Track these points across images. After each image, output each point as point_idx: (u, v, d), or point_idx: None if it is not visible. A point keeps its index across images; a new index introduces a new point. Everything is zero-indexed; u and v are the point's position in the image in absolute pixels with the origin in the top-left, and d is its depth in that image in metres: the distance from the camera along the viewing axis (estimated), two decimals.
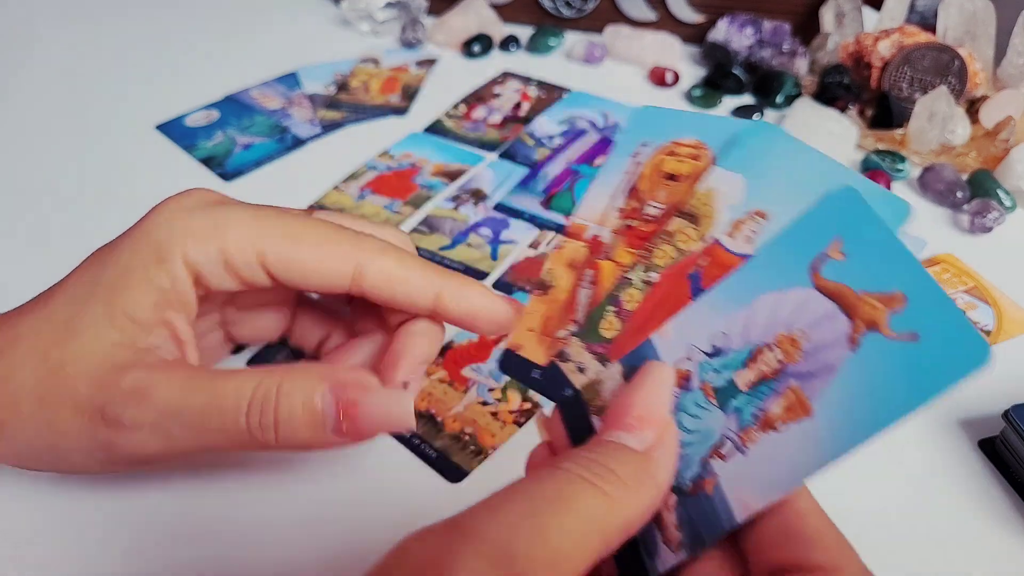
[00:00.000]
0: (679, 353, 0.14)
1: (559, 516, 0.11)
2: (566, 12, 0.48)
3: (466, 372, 0.26)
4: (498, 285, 0.30)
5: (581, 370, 0.16)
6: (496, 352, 0.27)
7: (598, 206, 0.17)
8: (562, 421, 0.16)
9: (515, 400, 0.25)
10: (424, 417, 0.25)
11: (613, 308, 0.16)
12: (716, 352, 0.13)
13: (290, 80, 0.44)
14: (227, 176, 0.36)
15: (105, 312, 0.18)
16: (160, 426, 0.17)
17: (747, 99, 0.43)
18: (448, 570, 0.11)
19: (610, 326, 0.16)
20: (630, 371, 0.15)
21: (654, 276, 0.16)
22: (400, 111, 0.41)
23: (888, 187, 0.35)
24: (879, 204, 0.11)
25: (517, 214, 0.34)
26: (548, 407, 0.17)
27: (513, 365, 0.17)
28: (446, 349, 0.27)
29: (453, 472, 0.23)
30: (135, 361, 0.17)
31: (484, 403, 0.25)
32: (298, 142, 0.39)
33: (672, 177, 0.17)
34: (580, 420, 0.15)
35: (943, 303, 0.10)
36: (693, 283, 0.15)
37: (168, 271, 0.18)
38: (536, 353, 0.17)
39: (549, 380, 0.16)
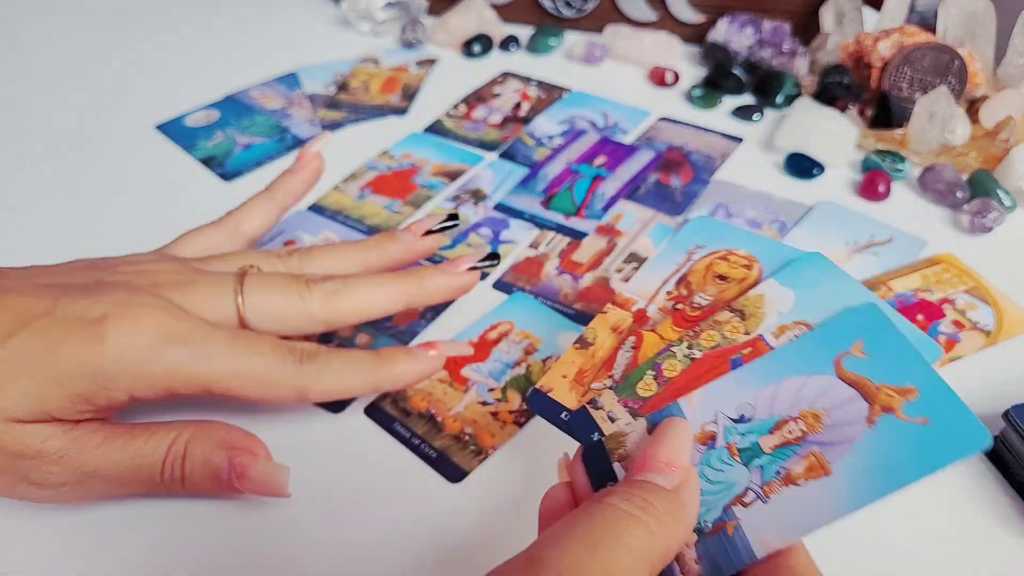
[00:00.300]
0: (706, 417, 0.16)
1: (615, 551, 0.14)
2: (566, 12, 0.48)
3: (466, 372, 0.26)
4: (498, 285, 0.30)
5: (611, 419, 0.18)
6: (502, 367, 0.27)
7: (649, 287, 0.20)
8: (584, 464, 0.17)
9: (515, 400, 0.25)
10: (424, 417, 0.25)
11: (652, 372, 0.18)
12: (741, 419, 0.15)
13: (290, 80, 0.44)
14: (227, 176, 0.36)
15: (35, 387, 0.18)
16: (80, 483, 0.19)
17: (747, 99, 0.43)
18: None
19: (647, 387, 0.18)
20: (653, 427, 0.17)
21: (697, 353, 0.18)
22: (400, 111, 0.41)
23: (888, 187, 0.35)
24: (915, 342, 0.13)
25: (517, 214, 0.34)
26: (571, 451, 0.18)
27: (542, 404, 0.19)
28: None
29: (453, 472, 0.23)
30: (57, 429, 0.19)
31: (484, 403, 0.25)
32: (298, 142, 0.39)
33: (723, 278, 0.20)
34: (602, 466, 0.17)
35: (951, 397, 0.13)
36: (734, 366, 0.17)
37: (108, 395, 0.19)
38: (566, 397, 0.19)
39: (578, 422, 0.18)
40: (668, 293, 0.20)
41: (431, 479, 0.23)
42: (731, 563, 0.14)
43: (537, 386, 0.19)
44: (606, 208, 0.34)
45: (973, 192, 0.35)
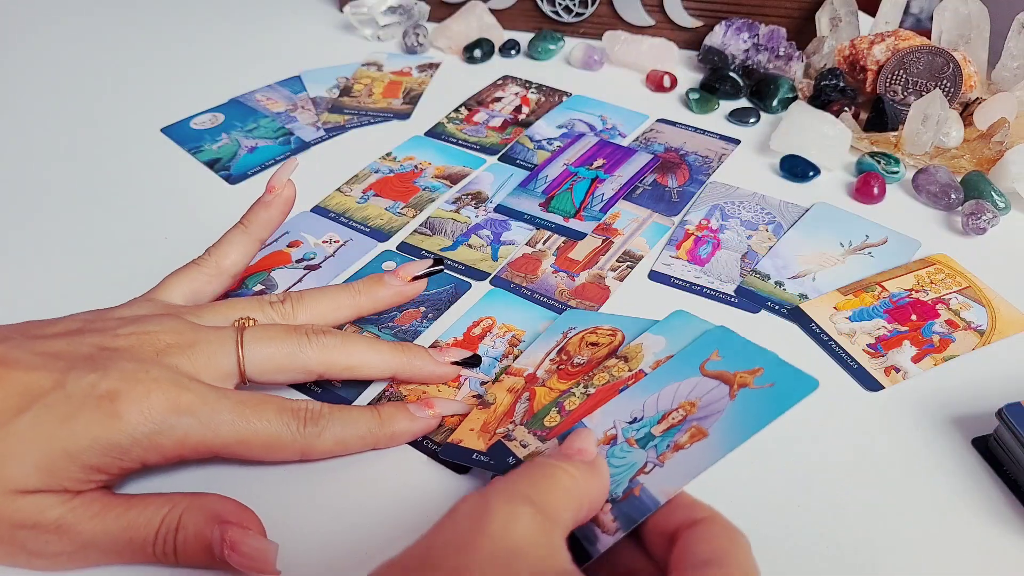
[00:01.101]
0: (606, 425, 0.20)
1: (553, 483, 0.18)
2: (565, 17, 0.48)
3: None
4: (495, 282, 0.31)
5: (523, 446, 0.22)
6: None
7: (535, 359, 0.26)
8: None
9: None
10: None
11: (556, 408, 0.24)
12: (634, 420, 0.19)
13: (294, 84, 0.44)
14: (232, 179, 0.37)
15: (47, 460, 0.19)
16: (77, 553, 0.19)
17: (743, 103, 0.43)
18: (489, 509, 0.16)
19: (552, 419, 0.23)
20: (563, 440, 0.21)
21: (592, 390, 0.23)
22: (402, 115, 0.42)
23: (883, 189, 0.36)
24: (790, 378, 0.17)
25: (517, 216, 0.34)
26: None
27: (454, 454, 0.23)
28: (432, 348, 0.27)
29: (459, 464, 0.24)
30: (56, 500, 0.19)
31: (478, 396, 0.26)
32: (302, 145, 0.39)
33: (594, 344, 0.26)
34: None
35: (786, 366, 0.17)
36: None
37: (121, 465, 0.20)
38: (475, 444, 0.23)
39: (494, 456, 0.22)
40: (552, 360, 0.26)
41: (438, 472, 0.23)
42: (640, 512, 0.18)
43: (449, 440, 0.23)
44: (605, 209, 0.35)
45: (967, 194, 0.35)
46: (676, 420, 0.18)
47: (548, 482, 0.17)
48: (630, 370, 0.24)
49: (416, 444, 0.24)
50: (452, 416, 0.24)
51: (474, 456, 0.23)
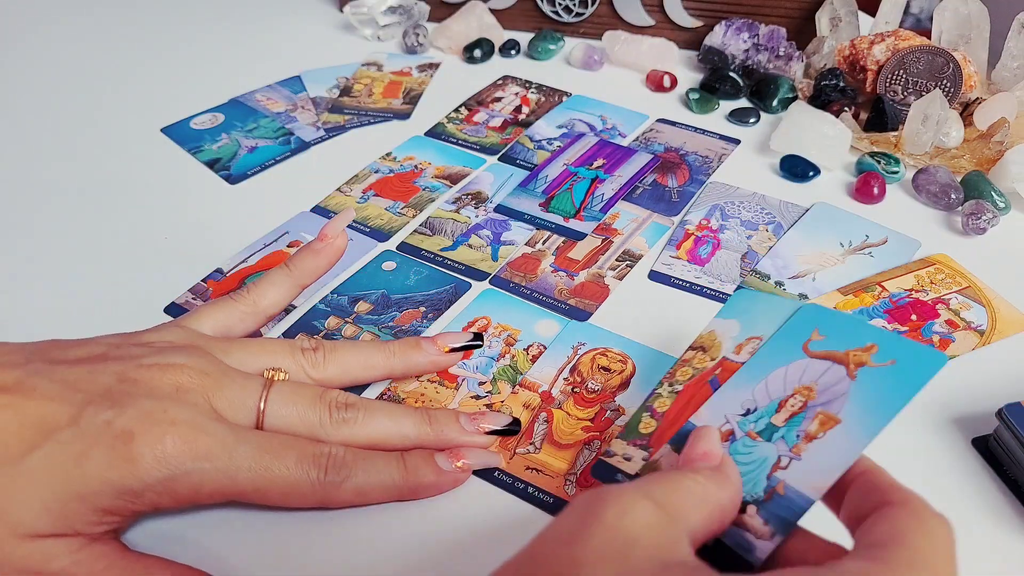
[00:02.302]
0: (718, 422, 0.18)
1: (677, 485, 0.17)
2: (565, 17, 0.48)
3: (454, 370, 0.27)
4: (495, 281, 0.31)
5: (627, 459, 0.22)
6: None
7: (548, 374, 0.26)
8: None
9: (506, 391, 0.26)
10: None
11: (647, 412, 0.23)
12: (748, 412, 0.18)
13: (294, 84, 0.44)
14: (232, 179, 0.37)
15: (58, 503, 0.18)
16: None
17: (743, 103, 0.43)
18: (603, 501, 0.16)
19: (647, 426, 0.22)
20: (679, 445, 0.19)
21: (679, 387, 0.22)
22: (402, 115, 0.42)
23: (883, 189, 0.36)
24: (915, 354, 0.16)
25: (517, 216, 0.34)
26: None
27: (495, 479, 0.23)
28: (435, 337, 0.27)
29: None
30: (63, 549, 0.19)
31: (477, 397, 0.26)
32: (302, 145, 0.39)
33: (606, 369, 0.26)
34: None
35: (903, 341, 0.16)
36: (713, 386, 0.21)
37: (133, 508, 0.19)
38: (499, 461, 0.24)
39: (600, 473, 0.22)
40: (565, 379, 0.26)
41: (501, 498, 0.23)
42: (794, 513, 0.17)
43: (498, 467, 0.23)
44: (605, 209, 0.35)
45: (967, 194, 0.35)
46: (796, 407, 0.17)
47: (672, 484, 0.17)
48: (712, 359, 0.23)
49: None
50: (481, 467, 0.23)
51: (495, 473, 0.23)
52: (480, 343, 0.26)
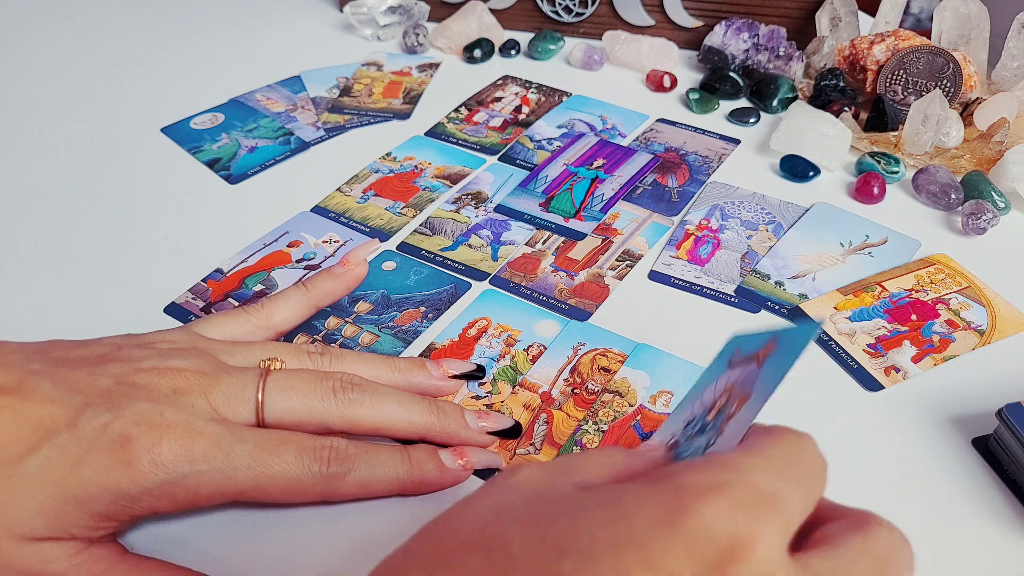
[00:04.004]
0: (666, 439, 0.20)
1: (580, 455, 0.17)
2: (565, 17, 0.48)
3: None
4: (494, 281, 0.31)
5: None
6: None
7: (548, 374, 0.27)
8: None
9: (506, 391, 0.26)
10: None
11: (576, 447, 0.25)
12: (687, 424, 0.20)
13: (294, 83, 0.44)
14: (232, 179, 0.37)
15: (55, 506, 0.18)
16: None
17: (743, 103, 0.43)
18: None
19: None
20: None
21: (604, 427, 0.25)
22: (402, 115, 0.42)
23: (883, 189, 0.36)
24: (797, 332, 0.18)
25: (517, 216, 0.34)
26: None
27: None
28: (428, 351, 0.28)
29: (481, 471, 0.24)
30: (61, 552, 0.18)
31: (477, 397, 0.26)
32: (302, 145, 0.39)
33: (606, 370, 0.27)
34: None
35: (791, 327, 0.19)
36: (637, 430, 0.25)
37: (131, 513, 0.19)
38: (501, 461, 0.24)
39: None
40: (565, 380, 0.26)
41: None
42: None
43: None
44: (605, 209, 0.35)
45: (967, 194, 0.35)
46: (721, 404, 0.19)
47: (574, 455, 0.17)
48: (630, 405, 0.25)
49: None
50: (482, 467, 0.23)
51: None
52: (482, 376, 0.26)
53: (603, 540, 0.13)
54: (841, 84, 0.41)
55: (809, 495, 0.15)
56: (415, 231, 0.34)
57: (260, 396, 0.21)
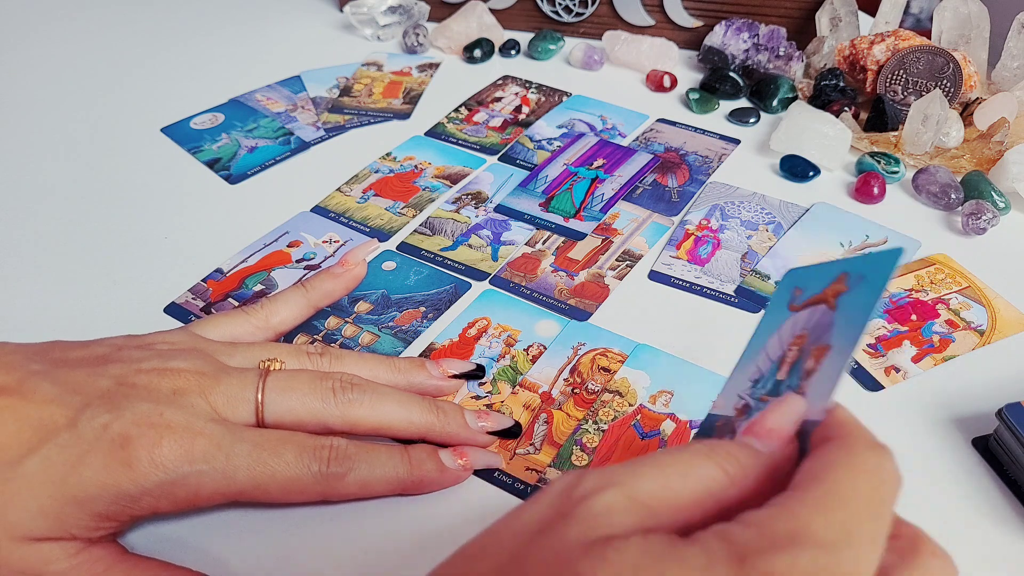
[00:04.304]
0: (733, 402, 0.18)
1: (684, 478, 0.15)
2: (565, 17, 0.48)
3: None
4: (494, 281, 0.31)
5: None
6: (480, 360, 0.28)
7: (548, 374, 0.27)
8: None
9: (506, 391, 0.26)
10: None
11: (576, 446, 0.24)
12: (755, 382, 0.18)
13: (294, 83, 0.44)
14: (232, 179, 0.37)
15: (55, 507, 0.18)
16: None
17: (743, 103, 0.43)
18: (588, 500, 0.14)
19: (578, 459, 0.24)
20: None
21: (604, 426, 0.25)
22: (402, 115, 0.42)
23: (883, 189, 0.36)
24: (876, 260, 0.16)
25: (517, 216, 0.34)
26: None
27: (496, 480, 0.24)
28: (428, 351, 0.28)
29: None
30: (61, 552, 0.18)
31: (477, 397, 0.26)
32: (302, 145, 0.39)
33: (606, 370, 0.27)
34: None
35: (866, 256, 0.16)
36: (637, 429, 0.25)
37: (131, 513, 0.19)
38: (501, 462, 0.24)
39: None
40: (565, 380, 0.26)
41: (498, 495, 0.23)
42: (805, 431, 0.16)
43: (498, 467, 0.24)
44: (605, 209, 0.35)
45: (967, 194, 0.35)
46: (793, 357, 0.17)
47: (684, 474, 0.15)
48: (630, 404, 0.25)
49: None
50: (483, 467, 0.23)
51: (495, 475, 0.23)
52: (482, 375, 0.26)
53: None
54: (841, 84, 0.41)
55: (880, 546, 0.14)
56: (415, 231, 0.34)
57: (260, 396, 0.21)
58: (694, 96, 0.42)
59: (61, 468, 0.18)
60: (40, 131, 0.40)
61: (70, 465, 0.18)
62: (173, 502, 0.19)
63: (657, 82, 0.44)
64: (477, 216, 0.34)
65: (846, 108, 0.40)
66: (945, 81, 0.39)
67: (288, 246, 0.33)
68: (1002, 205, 0.35)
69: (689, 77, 0.45)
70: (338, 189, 0.36)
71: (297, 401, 0.22)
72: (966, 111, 0.39)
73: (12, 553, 0.18)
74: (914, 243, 0.33)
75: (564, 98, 0.43)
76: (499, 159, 0.38)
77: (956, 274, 0.31)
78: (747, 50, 0.44)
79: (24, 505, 0.18)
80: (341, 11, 0.51)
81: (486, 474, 0.23)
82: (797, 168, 0.37)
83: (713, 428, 0.19)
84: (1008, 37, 0.41)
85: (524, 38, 0.48)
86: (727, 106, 0.43)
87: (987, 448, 0.24)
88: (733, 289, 0.31)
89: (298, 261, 0.32)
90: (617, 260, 0.32)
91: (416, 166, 0.38)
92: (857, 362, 0.27)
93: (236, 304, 0.29)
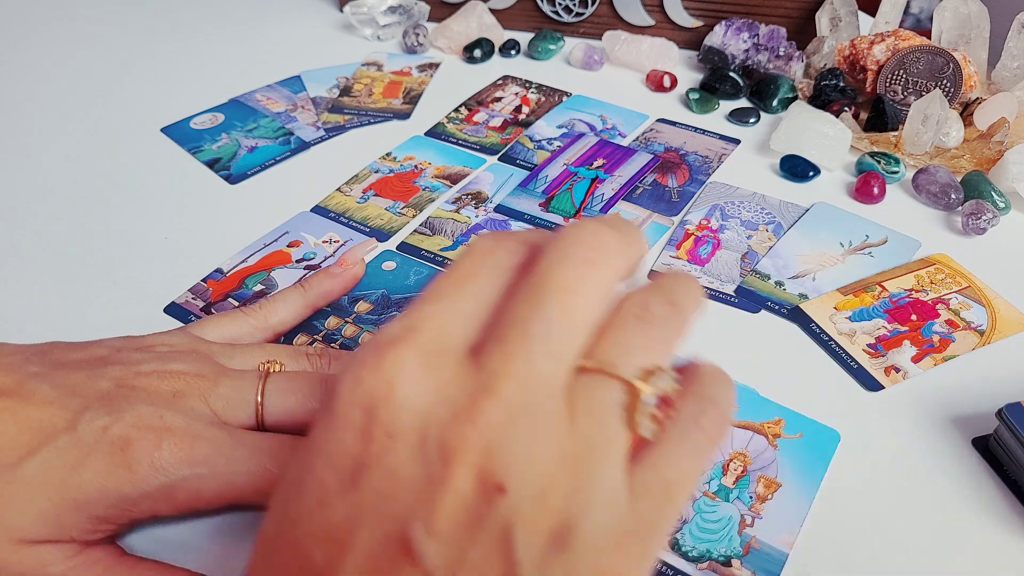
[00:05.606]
0: None
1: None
2: (565, 17, 0.48)
3: None
4: None
5: None
6: None
7: None
8: None
9: None
10: None
11: None
12: None
13: (294, 83, 0.44)
14: (232, 179, 0.37)
15: (54, 510, 0.18)
16: None
17: (743, 103, 0.43)
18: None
19: None
20: None
21: None
22: (402, 115, 0.42)
23: (883, 189, 0.36)
24: (816, 430, 0.20)
25: (517, 216, 0.34)
26: None
27: None
28: None
29: None
30: (60, 555, 0.18)
31: None
32: (302, 145, 0.39)
33: None
34: None
35: (802, 418, 0.20)
36: None
37: (130, 516, 0.19)
38: None
39: None
40: None
41: None
42: (776, 563, 0.20)
43: None
44: (605, 209, 0.35)
45: (967, 194, 0.35)
46: (739, 471, 0.20)
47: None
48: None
49: None
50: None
51: None
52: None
53: None
54: (841, 84, 0.41)
55: (453, 299, 0.14)
56: (415, 231, 0.34)
57: (259, 399, 0.21)
58: (694, 96, 0.42)
59: (60, 471, 0.18)
60: (40, 131, 0.40)
61: (69, 468, 0.18)
62: (173, 505, 0.19)
63: (657, 82, 0.44)
64: (477, 216, 0.34)
65: (846, 108, 0.40)
66: (945, 81, 0.39)
67: (288, 246, 0.33)
68: (1002, 205, 0.35)
69: (689, 77, 0.45)
70: (338, 189, 0.36)
71: (297, 404, 0.22)
72: (966, 111, 0.39)
73: (11, 556, 0.18)
74: (914, 243, 0.33)
75: (564, 98, 0.43)
76: (499, 159, 0.38)
77: (956, 274, 0.31)
78: (747, 50, 0.44)
79: (23, 508, 0.18)
80: (341, 11, 0.51)
81: None
82: (797, 168, 0.37)
83: None
84: (1008, 37, 0.41)
85: (524, 38, 0.48)
86: (727, 106, 0.43)
87: (987, 448, 0.24)
88: (733, 289, 0.31)
89: (298, 261, 0.32)
90: None
91: (416, 166, 0.38)
92: (857, 362, 0.27)
93: (236, 304, 0.29)
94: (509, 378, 0.13)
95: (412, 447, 0.12)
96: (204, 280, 0.31)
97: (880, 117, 0.39)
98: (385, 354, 0.13)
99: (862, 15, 0.46)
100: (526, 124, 0.41)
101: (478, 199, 0.36)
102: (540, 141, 0.40)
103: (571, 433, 0.13)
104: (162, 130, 0.40)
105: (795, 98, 0.42)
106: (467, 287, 0.14)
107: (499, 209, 0.35)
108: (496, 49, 0.47)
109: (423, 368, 0.13)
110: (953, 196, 0.35)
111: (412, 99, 0.43)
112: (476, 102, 0.43)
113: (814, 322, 0.29)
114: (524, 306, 0.14)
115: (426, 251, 0.32)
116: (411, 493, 0.12)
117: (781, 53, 0.43)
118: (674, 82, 0.44)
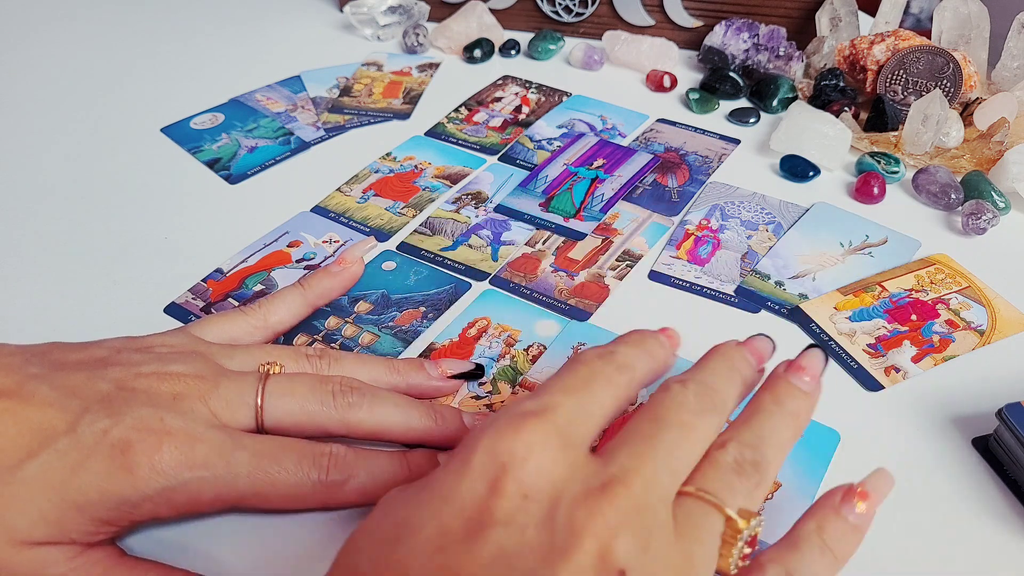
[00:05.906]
0: None
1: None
2: (565, 17, 0.48)
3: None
4: (494, 281, 0.31)
5: None
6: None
7: (548, 374, 0.26)
8: None
9: (506, 391, 0.26)
10: None
11: None
12: None
13: (294, 83, 0.44)
14: (232, 179, 0.37)
15: (55, 512, 0.18)
16: None
17: (743, 103, 0.43)
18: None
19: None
20: None
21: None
22: (402, 115, 0.42)
23: (883, 189, 0.36)
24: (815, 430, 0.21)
25: (517, 216, 0.34)
26: None
27: None
28: (428, 351, 0.27)
29: None
30: (60, 556, 0.18)
31: (477, 397, 0.26)
32: (302, 145, 0.39)
33: None
34: None
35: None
36: None
37: (131, 518, 0.19)
38: None
39: None
40: None
41: None
42: None
43: None
44: (605, 209, 0.35)
45: (967, 194, 0.35)
46: None
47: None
48: (631, 404, 0.25)
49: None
50: None
51: None
52: (481, 375, 0.26)
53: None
54: (841, 84, 0.41)
55: (581, 397, 0.17)
56: (415, 231, 0.34)
57: (259, 401, 0.21)
58: (694, 96, 0.42)
59: (61, 473, 0.18)
60: (40, 131, 0.40)
61: (70, 470, 0.18)
62: (173, 508, 0.19)
63: (657, 82, 0.44)
64: (477, 216, 0.34)
65: (846, 108, 0.40)
66: (945, 81, 0.39)
67: (288, 246, 0.33)
68: (1002, 205, 0.35)
69: (689, 77, 0.45)
70: (338, 189, 0.36)
71: (296, 405, 0.22)
72: (966, 111, 0.39)
73: (11, 558, 0.18)
74: (914, 243, 0.33)
75: (564, 98, 0.43)
76: (499, 159, 0.38)
77: (956, 274, 0.31)
78: (747, 50, 0.44)
79: (23, 510, 0.18)
80: (341, 11, 0.51)
81: None
82: (797, 168, 0.37)
83: None
84: (1008, 37, 0.41)
85: (524, 38, 0.48)
86: (727, 106, 0.43)
87: (987, 448, 0.24)
88: (733, 289, 0.31)
89: (298, 261, 0.32)
90: (617, 260, 0.32)
91: (416, 166, 0.38)
92: (857, 362, 0.27)
93: (236, 304, 0.29)
94: (639, 476, 0.15)
95: (543, 512, 0.14)
96: (204, 280, 0.31)
97: (880, 117, 0.39)
98: (526, 421, 0.15)
99: (862, 15, 0.46)
100: (526, 124, 0.41)
101: (478, 199, 0.36)
102: (540, 141, 0.40)
103: (677, 543, 0.15)
104: (162, 130, 0.40)
105: (795, 98, 0.42)
106: (591, 391, 0.17)
107: (499, 209, 0.35)
108: (496, 49, 0.47)
109: (560, 443, 0.15)
110: (953, 196, 0.35)
111: (412, 99, 0.43)
112: (476, 102, 0.43)
113: (814, 322, 0.29)
114: (649, 426, 0.16)
115: (426, 251, 0.32)
116: (534, 555, 0.13)
117: (781, 53, 0.43)
118: (674, 82, 0.44)
